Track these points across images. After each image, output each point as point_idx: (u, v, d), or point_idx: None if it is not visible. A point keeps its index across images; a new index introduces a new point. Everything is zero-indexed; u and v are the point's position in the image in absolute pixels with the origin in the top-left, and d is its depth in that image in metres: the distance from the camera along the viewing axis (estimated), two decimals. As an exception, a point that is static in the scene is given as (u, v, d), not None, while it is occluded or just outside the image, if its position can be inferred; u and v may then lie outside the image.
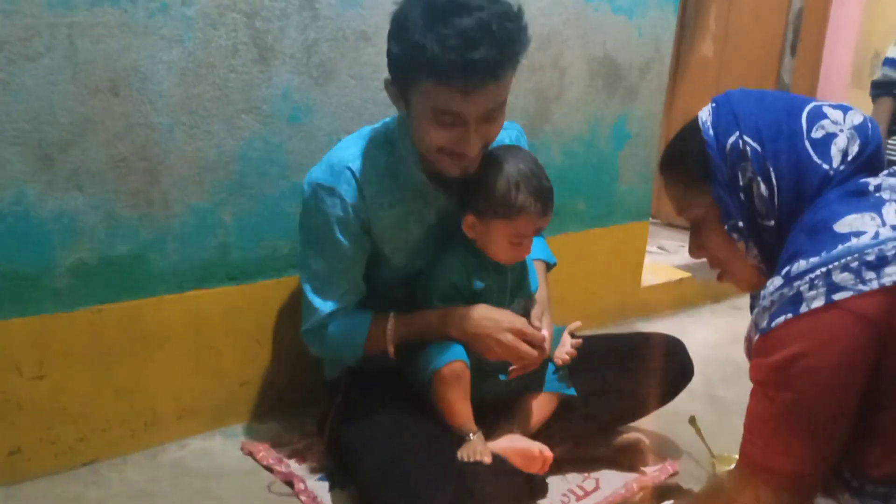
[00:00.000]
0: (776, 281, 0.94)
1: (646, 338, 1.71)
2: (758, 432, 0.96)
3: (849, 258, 0.87)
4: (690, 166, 1.07)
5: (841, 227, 0.91)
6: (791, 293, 0.90)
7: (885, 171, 1.00)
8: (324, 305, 1.45)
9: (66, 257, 1.42)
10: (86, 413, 1.50)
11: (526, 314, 1.50)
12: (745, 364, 1.10)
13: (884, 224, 0.89)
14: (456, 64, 1.19)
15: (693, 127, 1.08)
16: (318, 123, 1.67)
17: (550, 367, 1.55)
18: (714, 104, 1.08)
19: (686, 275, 2.76)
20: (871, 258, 0.86)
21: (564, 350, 1.54)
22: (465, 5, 1.20)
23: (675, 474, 1.61)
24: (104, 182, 1.43)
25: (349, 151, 1.41)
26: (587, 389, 1.56)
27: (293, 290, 1.69)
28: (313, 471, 1.54)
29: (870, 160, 1.00)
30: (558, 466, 1.52)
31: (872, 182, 0.96)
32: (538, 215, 1.41)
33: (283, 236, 1.66)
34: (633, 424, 1.69)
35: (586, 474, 1.58)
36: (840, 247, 0.88)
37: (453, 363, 1.40)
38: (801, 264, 0.90)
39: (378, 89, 1.72)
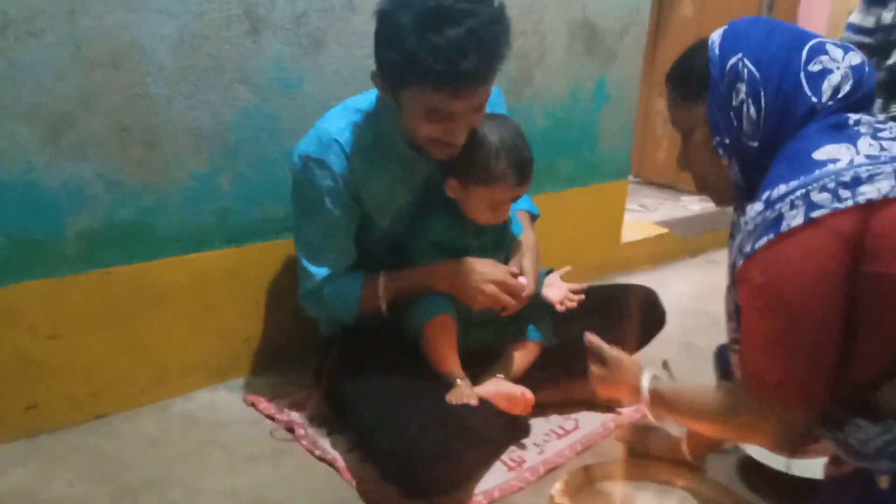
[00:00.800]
0: (757, 206, 1.01)
1: (621, 288, 1.82)
2: (759, 354, 1.03)
3: (826, 180, 0.94)
4: (692, 80, 1.13)
5: (819, 154, 0.98)
6: (773, 215, 0.97)
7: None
8: (318, 271, 1.54)
9: (74, 223, 1.50)
10: (98, 370, 1.60)
11: (506, 262, 1.60)
12: (718, 314, 1.17)
13: (858, 153, 0.96)
14: (449, 73, 1.27)
15: (702, 44, 1.13)
16: (309, 91, 1.74)
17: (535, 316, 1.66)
18: (727, 26, 1.13)
19: (665, 231, 2.86)
20: (846, 179, 0.93)
21: (564, 295, 1.64)
22: (454, 12, 1.26)
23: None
24: (108, 151, 1.51)
25: (336, 124, 1.49)
26: (567, 337, 1.65)
27: (289, 251, 1.78)
28: (312, 418, 1.64)
29: (859, 101, 1.05)
30: (540, 409, 1.62)
31: (853, 117, 1.03)
32: (515, 184, 1.48)
33: (279, 200, 1.74)
34: (610, 369, 1.79)
35: (566, 415, 1.70)
36: (818, 171, 0.96)
37: (440, 316, 1.50)
38: (781, 188, 0.98)
39: (365, 57, 1.79)
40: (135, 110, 1.52)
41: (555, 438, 1.62)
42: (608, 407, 1.72)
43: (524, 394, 1.52)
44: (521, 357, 1.63)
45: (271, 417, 1.66)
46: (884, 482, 0.98)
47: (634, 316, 1.71)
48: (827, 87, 1.04)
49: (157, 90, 1.53)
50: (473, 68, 1.27)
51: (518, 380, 1.60)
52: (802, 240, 0.95)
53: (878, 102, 2.44)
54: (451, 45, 1.25)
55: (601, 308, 1.72)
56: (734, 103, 1.07)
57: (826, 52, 1.05)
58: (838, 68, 1.04)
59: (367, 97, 1.54)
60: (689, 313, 2.26)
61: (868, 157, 0.95)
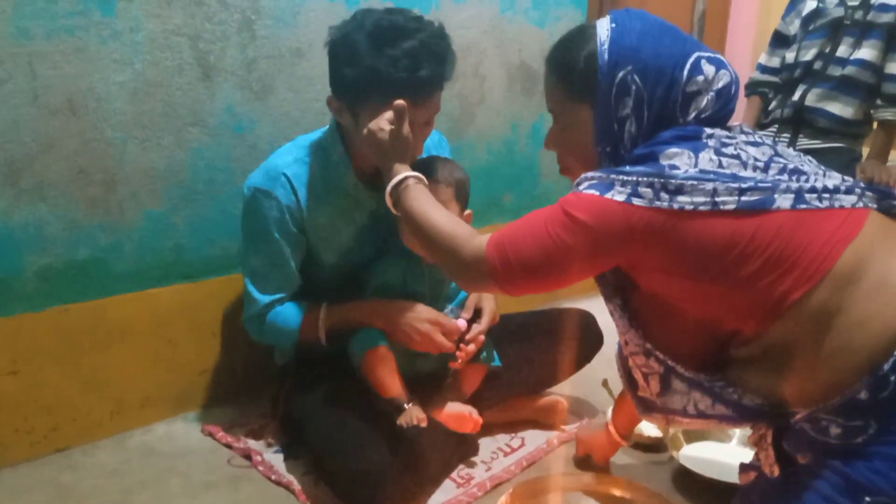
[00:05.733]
0: (600, 169, 1.10)
1: (561, 312, 1.91)
2: (523, 221, 1.13)
3: (655, 179, 1.03)
4: (576, 78, 1.14)
5: (663, 158, 1.07)
6: (607, 180, 1.06)
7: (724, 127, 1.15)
8: (262, 297, 1.61)
9: (33, 263, 1.56)
10: (57, 404, 1.64)
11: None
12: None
13: (695, 166, 1.05)
14: (408, 81, 1.39)
15: (588, 38, 1.13)
16: (260, 133, 1.83)
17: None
18: (613, 24, 1.12)
19: (608, 259, 2.97)
20: (671, 186, 1.03)
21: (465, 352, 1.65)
22: (406, 29, 1.41)
23: (590, 430, 1.81)
24: (66, 193, 1.57)
25: (285, 158, 1.58)
26: (511, 360, 1.75)
27: (243, 286, 1.85)
28: (269, 445, 1.70)
29: (716, 117, 1.12)
30: (488, 428, 1.71)
31: (707, 131, 1.09)
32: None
33: (232, 237, 1.80)
34: (552, 389, 1.89)
35: (513, 434, 1.78)
36: (654, 169, 1.05)
37: (376, 348, 1.56)
38: (626, 168, 1.07)
39: (314, 100, 1.89)
40: (91, 154, 1.59)
41: (501, 456, 1.69)
42: (552, 425, 1.82)
43: (472, 414, 1.60)
44: (469, 379, 1.70)
45: (229, 446, 1.71)
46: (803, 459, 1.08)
47: (572, 338, 1.81)
48: (693, 108, 1.10)
49: (113, 134, 1.61)
50: (430, 75, 1.41)
51: (466, 401, 1.66)
52: (611, 214, 1.04)
53: (786, 137, 2.62)
54: (408, 55, 1.38)
55: (542, 331, 1.82)
56: (619, 115, 1.12)
57: (702, 72, 1.10)
58: (708, 91, 1.10)
59: (317, 134, 1.64)
60: (630, 336, 2.35)
61: (702, 171, 1.03)
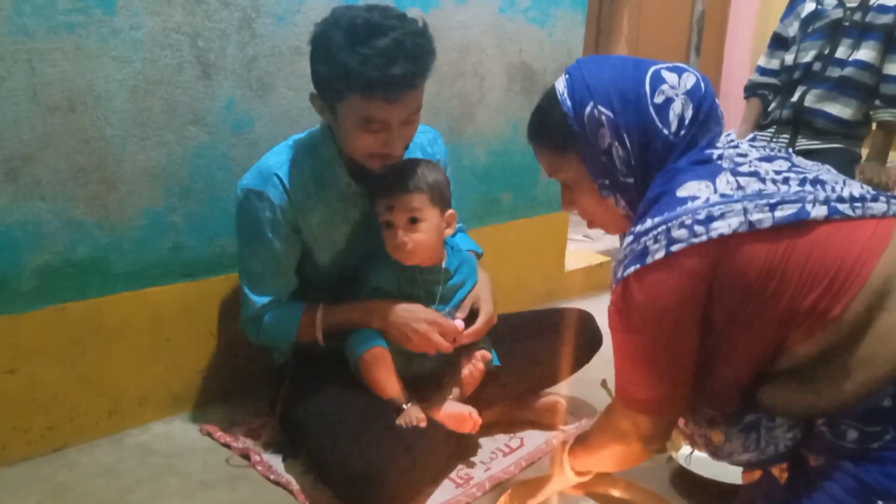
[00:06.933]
0: (628, 238, 1.09)
1: (560, 312, 1.91)
2: (621, 369, 1.14)
3: (684, 217, 1.01)
4: (555, 135, 1.17)
5: (681, 192, 1.05)
6: (639, 247, 1.05)
7: (728, 142, 1.14)
8: (259, 299, 1.61)
9: (32, 261, 1.55)
10: (55, 403, 1.63)
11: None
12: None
13: (715, 192, 1.04)
14: (379, 79, 1.38)
15: (552, 98, 1.17)
16: (260, 132, 1.83)
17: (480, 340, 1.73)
18: (567, 75, 1.17)
19: (606, 259, 2.98)
20: (701, 217, 1.01)
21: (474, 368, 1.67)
22: (381, 26, 1.39)
23: (589, 431, 1.81)
24: (65, 191, 1.56)
25: (277, 158, 1.57)
26: (511, 360, 1.75)
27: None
28: (267, 445, 1.70)
29: (705, 121, 1.11)
30: (487, 428, 1.71)
31: (716, 152, 1.09)
32: (384, 195, 1.57)
33: (231, 235, 1.78)
34: (551, 389, 1.88)
35: (512, 434, 1.78)
36: (679, 208, 1.04)
37: (373, 348, 1.57)
38: (648, 222, 1.05)
39: (313, 99, 1.88)
40: (91, 152, 1.58)
41: (500, 456, 1.70)
42: (552, 425, 1.81)
43: (472, 414, 1.60)
44: (469, 379, 1.69)
45: (227, 445, 1.71)
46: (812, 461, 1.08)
47: (572, 337, 1.81)
48: (673, 117, 1.10)
49: (113, 132, 1.60)
50: (402, 73, 1.39)
51: (465, 401, 1.66)
52: (662, 274, 1.03)
53: (785, 138, 2.62)
54: (380, 53, 1.37)
55: (541, 331, 1.82)
56: (603, 147, 1.12)
57: (665, 81, 1.11)
58: (677, 95, 1.10)
59: (309, 133, 1.64)
60: (628, 336, 2.35)
61: (723, 195, 1.02)
